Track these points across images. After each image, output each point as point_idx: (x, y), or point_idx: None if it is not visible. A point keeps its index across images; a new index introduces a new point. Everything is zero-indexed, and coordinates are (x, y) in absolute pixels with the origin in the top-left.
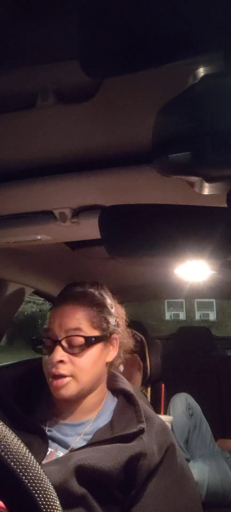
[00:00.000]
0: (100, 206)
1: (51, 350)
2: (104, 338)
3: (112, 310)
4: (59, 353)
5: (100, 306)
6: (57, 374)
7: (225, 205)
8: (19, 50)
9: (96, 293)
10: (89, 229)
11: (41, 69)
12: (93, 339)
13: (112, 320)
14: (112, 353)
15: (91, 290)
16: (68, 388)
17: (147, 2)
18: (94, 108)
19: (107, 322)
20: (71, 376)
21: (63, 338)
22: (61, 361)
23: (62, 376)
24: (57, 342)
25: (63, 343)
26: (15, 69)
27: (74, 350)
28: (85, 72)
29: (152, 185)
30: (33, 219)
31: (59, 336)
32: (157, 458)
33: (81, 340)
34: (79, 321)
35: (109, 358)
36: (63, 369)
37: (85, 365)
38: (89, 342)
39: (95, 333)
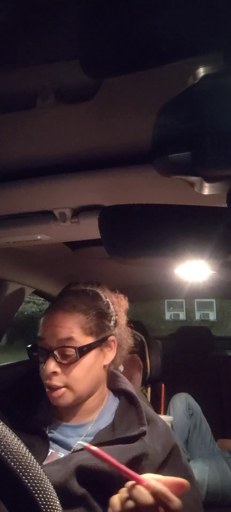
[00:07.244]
0: (100, 206)
1: (45, 359)
2: (99, 343)
3: (109, 310)
4: (52, 365)
5: (94, 310)
6: (50, 386)
7: (225, 205)
8: (19, 50)
9: (90, 294)
10: (89, 229)
11: (41, 69)
12: (85, 348)
13: (108, 321)
14: (110, 355)
15: (84, 294)
16: (64, 398)
17: (147, 2)
18: (94, 108)
19: (103, 325)
20: (66, 386)
21: (55, 349)
22: (54, 373)
23: (56, 387)
24: (49, 352)
25: (56, 353)
26: (15, 69)
27: (67, 360)
28: (85, 72)
29: (152, 185)
30: (33, 219)
31: (52, 346)
32: (161, 458)
33: (73, 351)
34: (71, 329)
35: (106, 361)
36: (56, 381)
37: (79, 374)
38: (82, 352)
39: (89, 340)
